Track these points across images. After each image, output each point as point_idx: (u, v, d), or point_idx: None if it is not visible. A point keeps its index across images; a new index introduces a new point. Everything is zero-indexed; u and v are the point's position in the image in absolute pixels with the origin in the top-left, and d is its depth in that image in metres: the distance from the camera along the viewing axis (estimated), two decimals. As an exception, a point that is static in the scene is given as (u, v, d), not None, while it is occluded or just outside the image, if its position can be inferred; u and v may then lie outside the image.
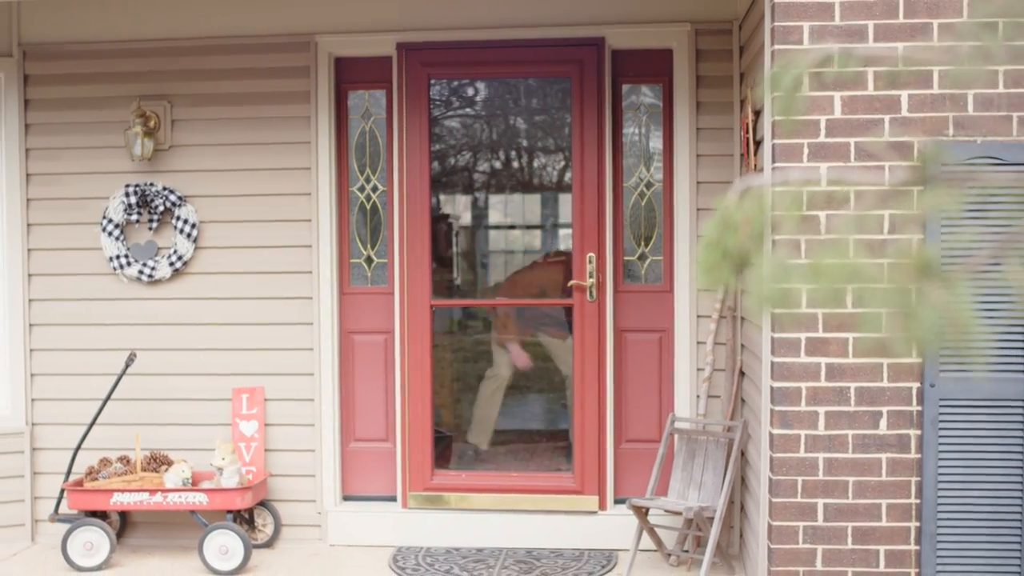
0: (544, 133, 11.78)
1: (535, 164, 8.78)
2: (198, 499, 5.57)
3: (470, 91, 6.60)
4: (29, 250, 6.11)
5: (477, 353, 7.41)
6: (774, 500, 4.39)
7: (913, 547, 4.34)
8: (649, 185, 5.96)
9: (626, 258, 5.99)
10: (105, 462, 5.85)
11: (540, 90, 9.05)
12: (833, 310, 4.13)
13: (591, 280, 5.81)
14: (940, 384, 4.29)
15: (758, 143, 4.95)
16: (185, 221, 5.97)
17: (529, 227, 15.33)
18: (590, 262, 5.77)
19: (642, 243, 5.98)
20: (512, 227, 15.01)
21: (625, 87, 5.97)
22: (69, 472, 5.72)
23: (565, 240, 15.95)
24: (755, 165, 5.02)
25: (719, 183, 5.73)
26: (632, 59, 5.91)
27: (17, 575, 5.44)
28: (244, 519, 5.85)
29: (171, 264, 6.00)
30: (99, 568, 5.57)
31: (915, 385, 4.31)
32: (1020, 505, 4.30)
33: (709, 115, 5.75)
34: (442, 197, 8.17)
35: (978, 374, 4.21)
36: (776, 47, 4.33)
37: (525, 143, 10.75)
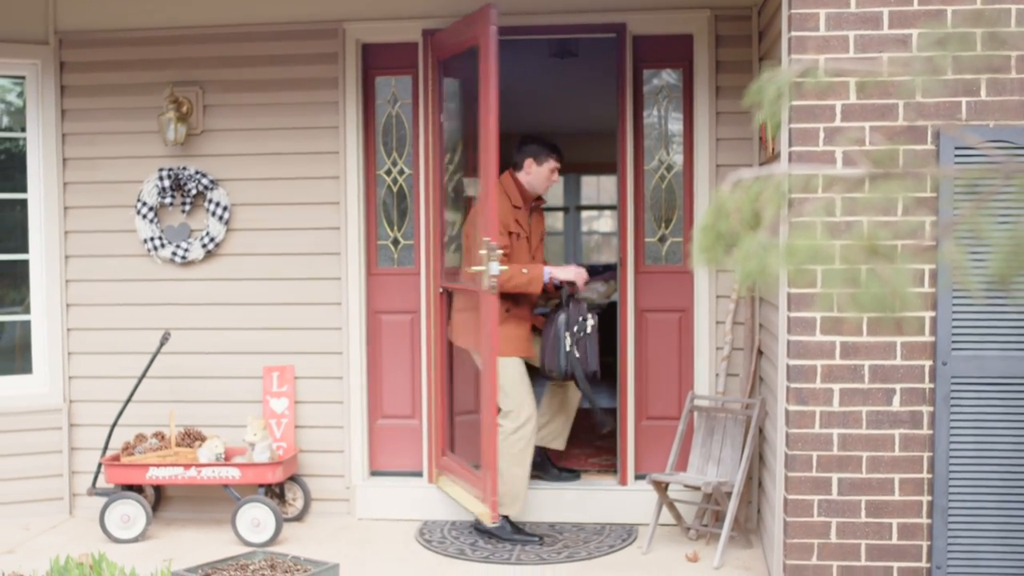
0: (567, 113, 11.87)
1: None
2: (231, 473, 5.75)
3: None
4: (66, 232, 6.29)
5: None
6: (790, 474, 4.52)
7: (925, 520, 4.46)
8: (670, 168, 6.08)
9: (647, 239, 6.11)
10: (140, 438, 6.04)
11: (559, 74, 9.16)
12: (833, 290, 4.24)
13: (484, 268, 5.31)
14: (952, 362, 4.40)
15: (776, 127, 5.06)
16: (217, 204, 6.13)
17: (551, 209, 15.46)
18: (486, 249, 5.29)
19: (662, 225, 6.10)
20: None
21: (646, 72, 6.08)
22: (106, 447, 5.91)
23: (588, 221, 15.99)
24: (773, 149, 5.14)
25: (738, 166, 5.85)
26: (653, 45, 6.02)
27: (58, 546, 5.63)
28: (275, 493, 6.03)
29: (204, 246, 6.17)
30: (136, 540, 5.76)
31: (928, 363, 4.43)
32: (1030, 480, 4.42)
33: (728, 99, 5.85)
34: (466, 180, 8.27)
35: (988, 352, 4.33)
36: (793, 34, 4.44)
37: (545, 124, 10.87)
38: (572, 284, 5.74)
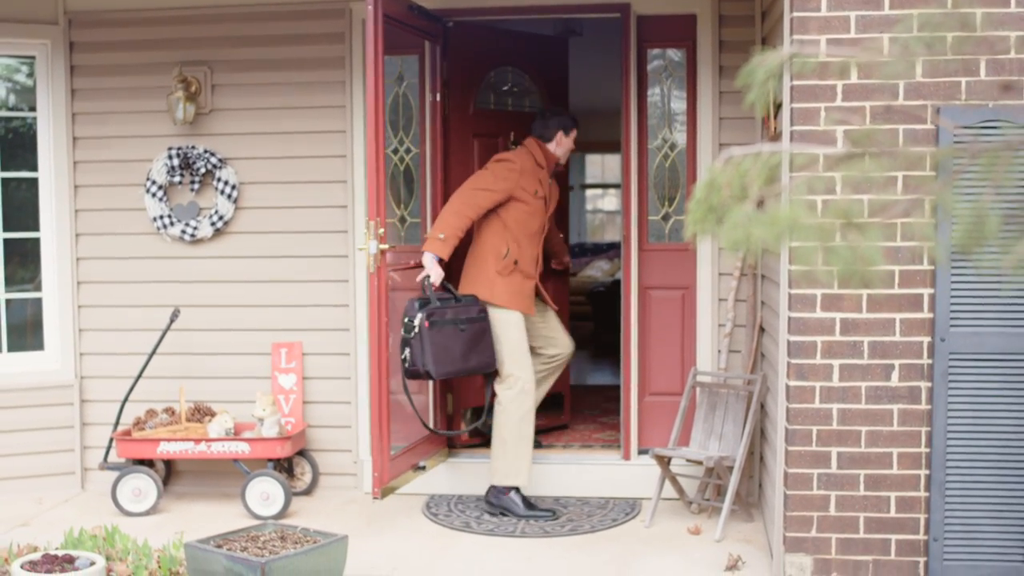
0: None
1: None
2: (241, 448, 5.84)
3: (500, 55, 6.77)
4: (76, 211, 6.36)
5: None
6: (790, 449, 4.60)
7: (923, 494, 4.54)
8: (673, 147, 6.14)
9: (650, 217, 6.18)
10: (151, 413, 6.13)
11: (565, 52, 9.20)
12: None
13: (366, 247, 5.35)
14: (950, 339, 4.47)
15: (778, 106, 5.12)
16: (225, 183, 6.21)
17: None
18: (367, 228, 5.31)
19: (666, 203, 6.17)
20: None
21: (650, 51, 6.13)
22: (117, 423, 6.01)
23: (593, 200, 16.01)
24: (775, 128, 5.20)
25: (741, 145, 5.89)
26: (657, 24, 6.07)
27: (71, 519, 5.73)
28: (284, 468, 6.13)
29: (212, 224, 6.24)
30: (147, 513, 5.86)
31: (926, 339, 4.50)
32: (1026, 454, 4.50)
33: (731, 79, 5.90)
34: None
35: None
36: (795, 14, 4.49)
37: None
38: (428, 278, 5.59)
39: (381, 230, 5.28)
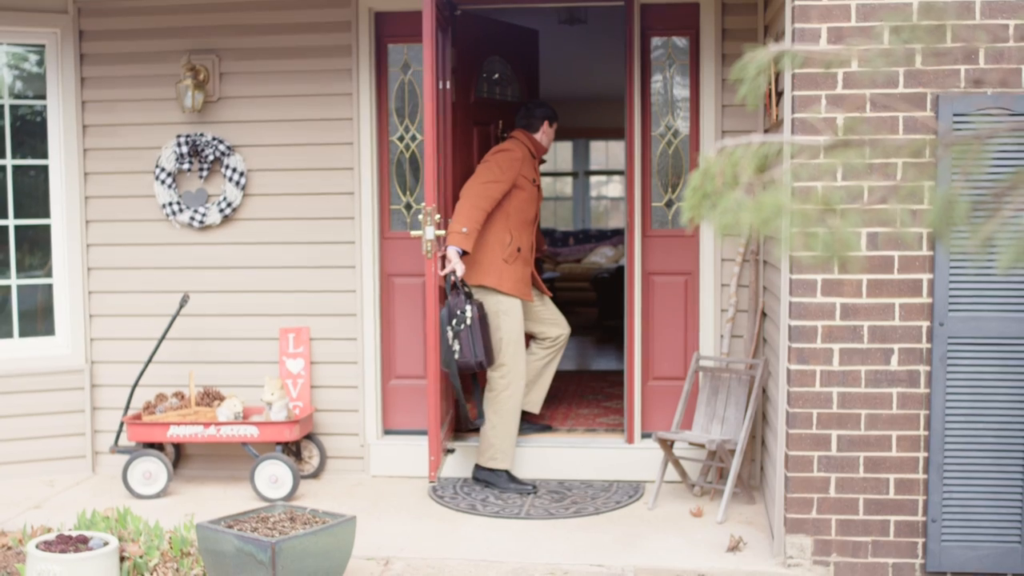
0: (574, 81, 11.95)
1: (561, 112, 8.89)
2: (250, 431, 5.92)
3: (492, 44, 6.82)
4: (86, 198, 6.44)
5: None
6: (791, 432, 4.67)
7: (921, 476, 4.61)
8: (676, 133, 6.20)
9: (654, 204, 6.24)
10: (161, 397, 6.21)
11: (568, 40, 9.26)
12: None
13: (422, 232, 5.57)
14: (949, 323, 4.54)
15: (779, 94, 5.18)
16: (234, 170, 6.28)
17: (560, 174, 15.56)
18: (428, 215, 5.49)
19: (669, 190, 6.23)
20: (545, 174, 15.21)
21: (654, 39, 6.19)
22: (127, 407, 6.09)
23: (597, 186, 16.06)
24: (776, 115, 5.26)
25: (743, 132, 5.96)
26: (660, 12, 6.12)
27: (82, 501, 5.81)
28: (292, 451, 6.21)
29: (221, 210, 6.31)
30: (157, 496, 5.95)
31: (925, 324, 4.57)
32: (1023, 436, 4.56)
33: (734, 67, 5.95)
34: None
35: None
36: (796, 3, 4.54)
37: (553, 90, 10.97)
38: (454, 272, 5.73)
39: (438, 216, 5.46)
